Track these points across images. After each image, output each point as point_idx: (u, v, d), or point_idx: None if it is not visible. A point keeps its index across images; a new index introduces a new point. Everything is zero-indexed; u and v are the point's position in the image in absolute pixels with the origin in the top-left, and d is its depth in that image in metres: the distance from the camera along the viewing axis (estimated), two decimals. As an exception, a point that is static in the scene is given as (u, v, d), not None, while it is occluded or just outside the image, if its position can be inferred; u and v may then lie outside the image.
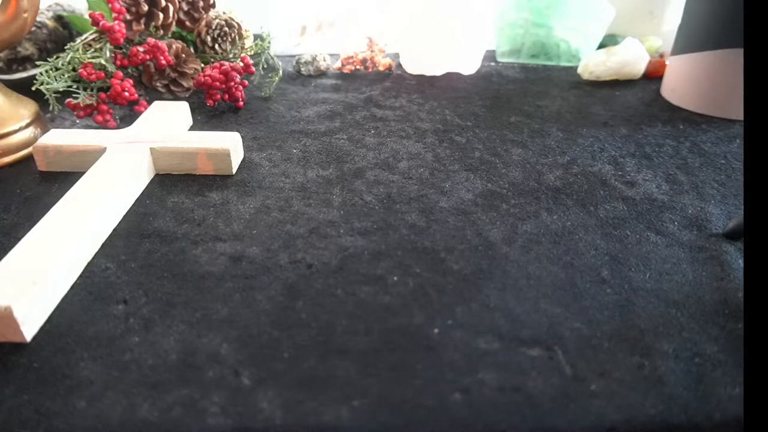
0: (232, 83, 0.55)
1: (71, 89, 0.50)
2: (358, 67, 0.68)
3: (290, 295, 0.31)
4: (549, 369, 0.26)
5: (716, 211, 0.39)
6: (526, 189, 0.42)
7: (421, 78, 0.67)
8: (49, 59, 0.50)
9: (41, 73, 0.49)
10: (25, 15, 0.45)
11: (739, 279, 0.33)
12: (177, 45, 0.57)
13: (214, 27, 0.59)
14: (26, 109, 0.48)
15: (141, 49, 0.53)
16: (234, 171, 0.44)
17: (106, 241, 0.36)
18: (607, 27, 0.71)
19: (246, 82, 0.57)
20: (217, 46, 0.60)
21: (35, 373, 0.26)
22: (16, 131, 0.46)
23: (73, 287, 0.32)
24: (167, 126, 0.48)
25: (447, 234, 0.36)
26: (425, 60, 0.67)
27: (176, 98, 0.58)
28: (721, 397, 0.25)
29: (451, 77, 0.67)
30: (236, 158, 0.44)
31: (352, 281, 0.32)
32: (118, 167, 0.40)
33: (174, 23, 0.58)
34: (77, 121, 0.54)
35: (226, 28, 0.60)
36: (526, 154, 0.47)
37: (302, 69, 0.68)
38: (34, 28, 0.60)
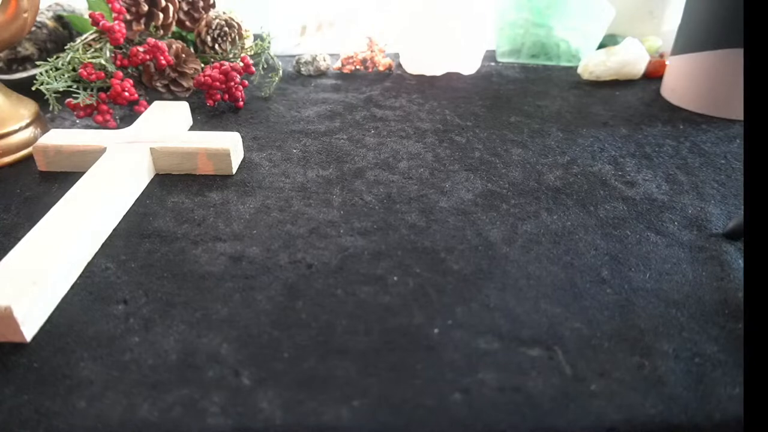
0: (232, 83, 0.55)
1: (71, 89, 0.50)
2: (358, 67, 0.68)
3: (290, 295, 0.31)
4: (549, 369, 0.26)
5: (716, 211, 0.39)
6: (526, 189, 0.42)
7: (421, 78, 0.67)
8: (49, 59, 0.50)
9: (41, 73, 0.49)
10: (25, 15, 0.45)
11: (739, 279, 0.33)
12: (177, 45, 0.57)
13: (214, 27, 0.59)
14: (26, 109, 0.48)
15: (141, 49, 0.53)
16: (234, 171, 0.44)
17: (106, 241, 0.36)
18: (607, 27, 0.71)
19: (246, 82, 0.57)
20: (217, 46, 0.60)
21: (35, 373, 0.26)
22: (16, 131, 0.46)
23: (73, 287, 0.32)
24: (167, 126, 0.48)
25: (447, 234, 0.36)
26: (425, 60, 0.67)
27: (176, 98, 0.58)
28: (721, 397, 0.25)
29: (451, 77, 0.67)
30: (236, 158, 0.44)
31: (352, 281, 0.32)
32: (118, 167, 0.40)
33: (174, 23, 0.58)
34: (77, 121, 0.54)
35: (226, 28, 0.60)
36: (526, 154, 0.47)
37: (302, 69, 0.68)
38: (34, 28, 0.60)
